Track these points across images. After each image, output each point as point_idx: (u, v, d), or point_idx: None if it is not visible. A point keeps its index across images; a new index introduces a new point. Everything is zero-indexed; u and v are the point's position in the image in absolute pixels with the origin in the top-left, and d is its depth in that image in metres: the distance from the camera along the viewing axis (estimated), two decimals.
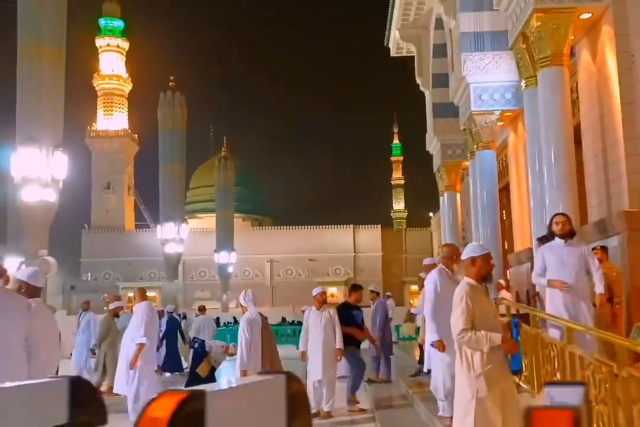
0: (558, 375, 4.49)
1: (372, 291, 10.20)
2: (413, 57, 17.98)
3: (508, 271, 12.07)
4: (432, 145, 16.42)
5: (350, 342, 7.66)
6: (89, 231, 57.69)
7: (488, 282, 3.71)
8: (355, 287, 8.42)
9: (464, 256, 3.75)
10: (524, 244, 11.79)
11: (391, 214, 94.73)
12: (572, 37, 8.58)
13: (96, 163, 59.10)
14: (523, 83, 9.08)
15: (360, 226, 57.98)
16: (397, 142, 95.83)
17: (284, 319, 27.38)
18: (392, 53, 18.04)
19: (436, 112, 15.70)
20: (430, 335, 5.09)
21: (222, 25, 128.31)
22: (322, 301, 7.51)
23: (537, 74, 8.48)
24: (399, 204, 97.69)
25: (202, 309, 13.76)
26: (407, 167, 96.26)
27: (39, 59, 19.30)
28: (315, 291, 7.63)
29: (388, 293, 18.50)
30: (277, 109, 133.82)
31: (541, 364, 4.88)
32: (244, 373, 6.47)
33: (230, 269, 44.63)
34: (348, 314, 7.82)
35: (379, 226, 58.91)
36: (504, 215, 13.96)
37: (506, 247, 13.35)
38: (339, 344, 7.24)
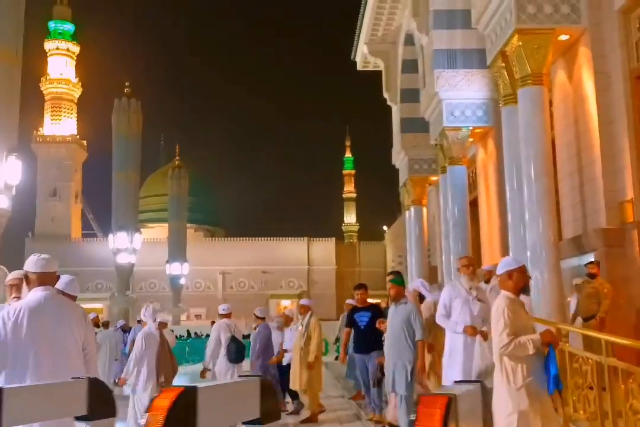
0: None
1: (257, 317, 9.42)
2: (375, 71, 18.24)
3: None
4: (399, 159, 16.56)
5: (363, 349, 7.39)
6: (33, 239, 55.59)
7: (526, 293, 3.73)
8: (357, 287, 7.77)
9: (499, 271, 3.73)
10: (492, 259, 11.96)
11: (342, 227, 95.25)
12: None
13: (42, 169, 57.13)
14: (501, 101, 9.24)
15: (315, 239, 57.99)
16: (350, 155, 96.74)
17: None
18: (359, 67, 18.18)
19: (404, 127, 15.86)
20: (456, 328, 5.22)
21: (178, 30, 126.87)
22: None
23: (517, 92, 8.64)
24: (350, 217, 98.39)
25: (105, 325, 13.80)
26: (358, 180, 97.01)
27: None
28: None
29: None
30: (231, 118, 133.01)
31: None
32: (122, 382, 7.14)
33: (182, 281, 43.79)
34: (351, 318, 7.56)
35: (333, 239, 59.09)
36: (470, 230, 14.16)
37: None
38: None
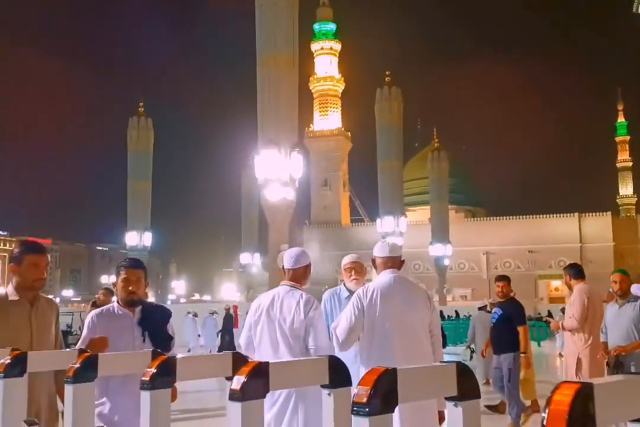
0: None
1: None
2: None
3: None
4: None
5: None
6: (310, 226, 61.50)
7: None
8: (497, 279, 6.86)
9: None
10: None
11: (617, 200, 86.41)
12: None
13: (314, 162, 62.66)
14: None
15: (586, 214, 53.57)
16: (623, 120, 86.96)
17: None
18: None
19: None
20: None
21: (435, 9, 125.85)
22: None
23: None
24: (626, 189, 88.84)
25: None
26: (634, 147, 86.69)
27: (276, 67, 21.03)
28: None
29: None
30: (487, 96, 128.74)
31: None
32: None
33: (446, 262, 44.35)
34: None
35: (609, 213, 53.86)
36: None
37: None
38: None
